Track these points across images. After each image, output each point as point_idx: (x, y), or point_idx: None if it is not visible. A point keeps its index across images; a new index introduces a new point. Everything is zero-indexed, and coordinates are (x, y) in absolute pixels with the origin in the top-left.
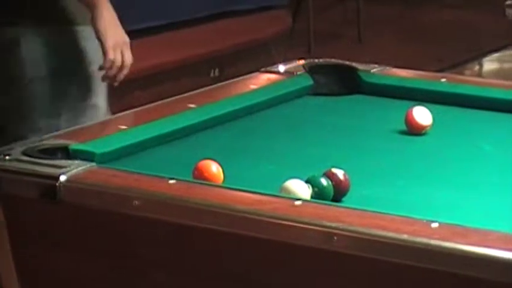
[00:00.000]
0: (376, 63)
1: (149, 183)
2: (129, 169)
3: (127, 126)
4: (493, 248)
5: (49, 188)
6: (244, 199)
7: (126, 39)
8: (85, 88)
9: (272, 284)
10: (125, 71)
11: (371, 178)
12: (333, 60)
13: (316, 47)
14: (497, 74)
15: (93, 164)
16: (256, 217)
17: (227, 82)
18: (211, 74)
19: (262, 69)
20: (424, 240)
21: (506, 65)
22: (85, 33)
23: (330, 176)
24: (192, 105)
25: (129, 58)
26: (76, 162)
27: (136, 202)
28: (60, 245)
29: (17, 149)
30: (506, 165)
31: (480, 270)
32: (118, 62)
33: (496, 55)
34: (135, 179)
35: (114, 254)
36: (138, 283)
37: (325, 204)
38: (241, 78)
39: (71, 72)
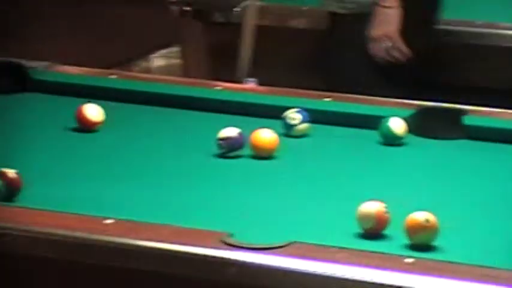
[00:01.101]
0: (44, 60)
1: None
2: None
3: None
4: (165, 242)
5: None
6: None
7: None
8: None
9: None
10: None
11: (45, 176)
12: None
13: None
14: (165, 70)
15: None
16: None
17: None
18: None
19: None
20: (98, 237)
21: (173, 61)
22: None
23: (0, 175)
24: None
25: None
26: None
27: None
28: None
29: None
30: (178, 159)
31: (154, 263)
32: None
33: (163, 51)
34: None
35: None
36: None
37: None
38: None
39: None
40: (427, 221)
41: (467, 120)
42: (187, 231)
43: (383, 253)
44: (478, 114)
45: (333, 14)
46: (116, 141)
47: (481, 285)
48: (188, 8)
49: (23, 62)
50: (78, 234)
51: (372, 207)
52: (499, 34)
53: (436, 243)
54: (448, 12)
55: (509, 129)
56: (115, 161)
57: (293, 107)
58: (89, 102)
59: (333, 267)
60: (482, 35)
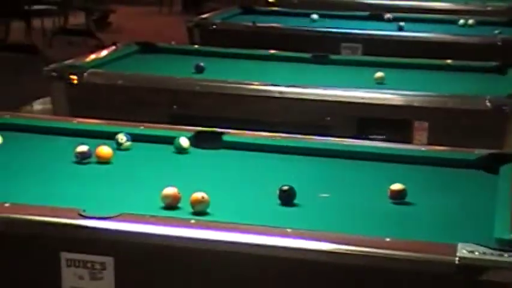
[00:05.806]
0: None
1: None
2: None
3: None
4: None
5: None
6: None
7: None
8: None
9: None
10: None
11: None
12: None
13: None
14: (42, 111)
15: None
16: None
17: None
18: None
19: None
20: None
21: (48, 106)
22: None
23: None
24: None
25: None
26: None
27: None
28: None
29: None
30: None
31: None
32: None
33: (40, 100)
34: None
35: None
36: None
37: None
38: None
39: None
40: (203, 197)
41: None
42: None
43: (178, 218)
44: None
45: None
46: None
47: (248, 236)
48: (54, 74)
49: None
50: None
51: (169, 190)
52: None
53: (208, 211)
54: None
55: None
56: None
57: None
58: None
59: (158, 228)
60: None
